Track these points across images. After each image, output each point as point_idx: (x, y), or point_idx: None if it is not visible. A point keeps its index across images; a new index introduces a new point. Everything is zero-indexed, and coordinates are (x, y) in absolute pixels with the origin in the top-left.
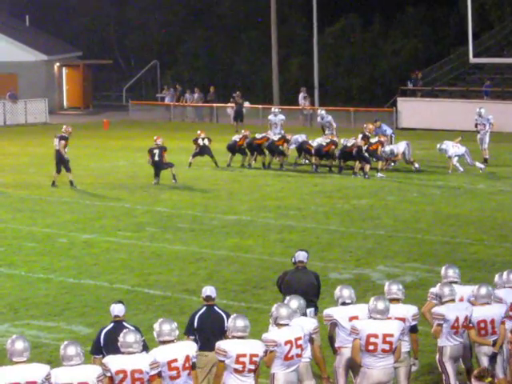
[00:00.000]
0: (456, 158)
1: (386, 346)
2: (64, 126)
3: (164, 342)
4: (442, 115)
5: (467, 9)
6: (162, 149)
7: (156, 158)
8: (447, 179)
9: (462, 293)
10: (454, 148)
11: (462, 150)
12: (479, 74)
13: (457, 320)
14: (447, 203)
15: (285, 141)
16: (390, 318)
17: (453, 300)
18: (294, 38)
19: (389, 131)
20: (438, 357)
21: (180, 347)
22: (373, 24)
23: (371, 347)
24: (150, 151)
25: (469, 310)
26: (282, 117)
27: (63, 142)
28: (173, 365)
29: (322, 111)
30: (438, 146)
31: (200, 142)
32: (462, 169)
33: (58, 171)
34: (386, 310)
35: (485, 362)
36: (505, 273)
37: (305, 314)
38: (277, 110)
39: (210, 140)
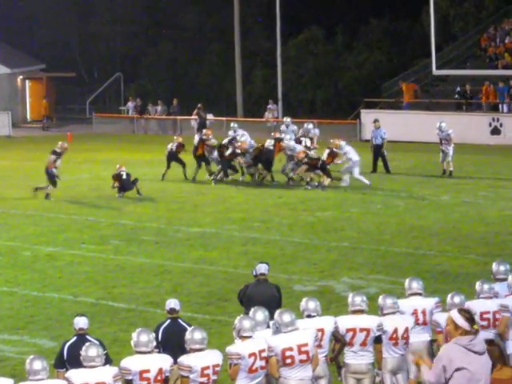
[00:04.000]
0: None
1: (303, 357)
2: (60, 143)
3: (140, 353)
4: (405, 127)
5: (430, 21)
6: (129, 174)
7: (124, 177)
8: (411, 191)
9: (425, 305)
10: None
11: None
12: (442, 85)
13: (395, 331)
14: (411, 215)
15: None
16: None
17: (394, 312)
18: (258, 51)
19: (386, 135)
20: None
21: (154, 359)
22: (336, 36)
23: (288, 361)
24: (117, 175)
25: (409, 322)
26: (242, 134)
27: (53, 156)
28: (144, 375)
29: (309, 125)
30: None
31: (169, 147)
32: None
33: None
34: (293, 321)
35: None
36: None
37: (268, 326)
38: (236, 125)
39: (183, 146)
